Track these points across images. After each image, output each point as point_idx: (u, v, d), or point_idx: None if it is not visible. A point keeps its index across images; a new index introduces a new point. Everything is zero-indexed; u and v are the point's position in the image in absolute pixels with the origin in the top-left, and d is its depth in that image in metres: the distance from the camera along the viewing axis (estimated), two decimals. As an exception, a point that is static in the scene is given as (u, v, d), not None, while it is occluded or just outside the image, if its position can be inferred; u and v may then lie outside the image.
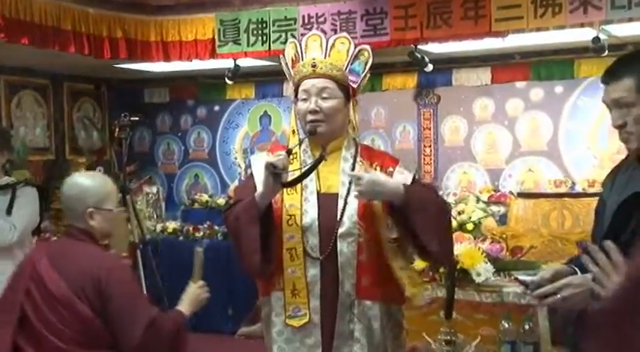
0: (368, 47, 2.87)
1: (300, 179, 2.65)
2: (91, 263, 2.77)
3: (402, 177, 2.77)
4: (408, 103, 8.41)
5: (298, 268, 2.69)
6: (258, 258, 2.64)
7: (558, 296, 2.22)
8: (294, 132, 2.84)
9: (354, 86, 2.81)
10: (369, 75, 2.87)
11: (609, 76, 2.27)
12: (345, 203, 2.72)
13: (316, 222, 2.70)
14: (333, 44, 2.82)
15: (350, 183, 2.74)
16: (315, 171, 2.74)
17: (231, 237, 2.83)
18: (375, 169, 2.79)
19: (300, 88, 2.80)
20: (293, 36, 6.32)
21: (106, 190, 2.92)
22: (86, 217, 2.87)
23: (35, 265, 2.82)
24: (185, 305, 2.95)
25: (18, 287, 2.82)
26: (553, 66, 7.50)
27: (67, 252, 2.86)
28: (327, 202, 2.73)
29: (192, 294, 2.96)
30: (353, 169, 2.77)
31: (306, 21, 6.34)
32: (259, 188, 2.70)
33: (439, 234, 2.69)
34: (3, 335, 2.74)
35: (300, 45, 2.86)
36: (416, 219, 2.62)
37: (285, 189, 2.71)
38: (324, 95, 2.75)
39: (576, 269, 2.35)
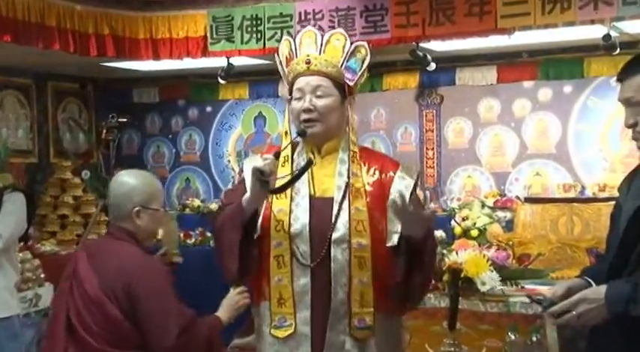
0: (365, 44, 2.86)
1: (287, 185, 2.64)
2: (125, 264, 2.90)
3: (403, 183, 2.76)
4: (410, 104, 8.41)
5: (285, 276, 2.68)
6: (235, 266, 2.64)
7: (573, 313, 2.22)
8: (286, 133, 2.83)
9: (351, 84, 2.81)
10: (366, 73, 2.87)
11: (624, 74, 2.31)
12: (340, 208, 2.71)
13: (307, 228, 2.68)
14: (328, 40, 2.82)
15: (346, 185, 2.73)
16: (309, 175, 2.73)
17: (214, 240, 2.84)
18: (374, 173, 2.78)
19: (294, 87, 2.79)
20: (289, 33, 6.31)
21: (153, 189, 3.05)
22: (133, 216, 2.99)
23: (77, 264, 2.98)
24: (223, 310, 3.06)
25: (64, 287, 2.98)
26: (562, 65, 7.51)
27: (105, 251, 3.00)
28: (321, 207, 2.71)
29: (231, 300, 3.06)
30: (349, 173, 2.75)
31: (303, 17, 6.34)
32: (247, 194, 2.70)
33: (426, 282, 2.78)
34: (57, 335, 2.91)
35: (295, 42, 2.85)
36: (417, 259, 2.64)
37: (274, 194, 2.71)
38: (319, 93, 2.74)
39: (591, 281, 2.35)
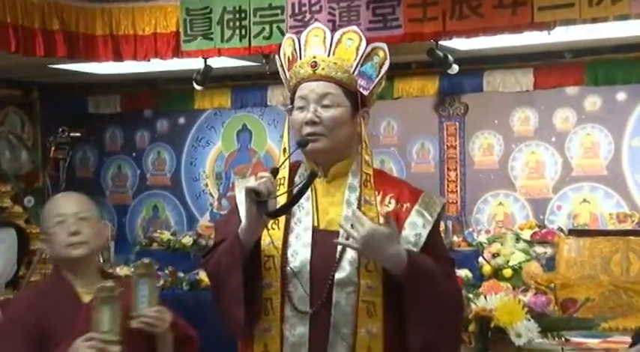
0: (384, 45, 2.86)
1: (289, 206, 2.63)
2: None
3: (420, 220, 2.76)
4: (428, 114, 8.43)
5: (274, 325, 2.67)
6: (241, 313, 2.63)
7: None
8: (285, 150, 2.83)
9: (365, 93, 2.82)
10: (384, 81, 2.88)
11: None
12: None
13: (308, 266, 2.69)
14: (339, 40, 2.82)
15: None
16: (312, 203, 2.74)
17: (211, 288, 2.82)
18: (389, 203, 2.78)
19: (297, 94, 2.79)
20: (279, 29, 6.34)
21: (45, 213, 3.26)
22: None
23: None
24: None
25: None
26: (613, 67, 7.53)
27: None
28: (325, 242, 2.70)
29: (74, 345, 2.96)
30: (361, 200, 2.76)
31: (297, 10, 6.36)
32: (244, 222, 2.70)
33: (437, 332, 2.68)
34: None
35: (299, 40, 2.86)
36: (413, 302, 2.63)
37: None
38: (326, 103, 2.74)
39: None
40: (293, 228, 2.73)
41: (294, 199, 2.63)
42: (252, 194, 2.57)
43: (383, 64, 2.83)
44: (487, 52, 7.44)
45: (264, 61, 6.87)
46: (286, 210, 2.65)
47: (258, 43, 6.49)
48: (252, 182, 2.63)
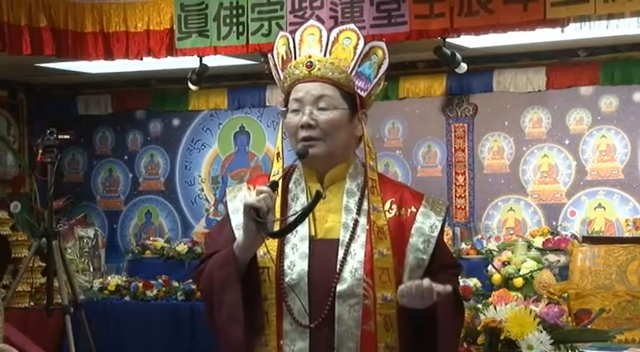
0: (383, 44, 2.87)
1: (292, 227, 2.63)
2: None
3: (427, 222, 2.77)
4: (434, 116, 8.43)
5: (270, 339, 2.68)
6: (240, 332, 2.63)
7: None
8: (278, 155, 2.83)
9: (363, 94, 2.82)
10: (383, 81, 2.88)
11: None
12: (347, 252, 2.71)
13: (306, 278, 2.68)
14: (335, 38, 2.83)
15: (355, 223, 2.73)
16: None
17: (205, 305, 2.82)
18: (391, 208, 2.79)
19: (292, 96, 2.80)
20: (279, 25, 6.34)
21: None
22: None
23: None
24: None
25: None
26: (630, 66, 7.52)
27: None
28: (324, 251, 2.71)
29: None
30: (360, 205, 2.76)
31: (297, 6, 6.36)
32: (238, 236, 2.69)
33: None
34: None
35: (294, 39, 2.87)
36: (430, 328, 2.71)
37: None
38: (322, 105, 2.75)
39: None
40: (289, 239, 2.73)
41: (296, 221, 2.62)
42: (252, 212, 2.57)
43: (382, 63, 2.84)
44: (497, 50, 7.44)
45: (262, 59, 6.86)
46: (288, 231, 2.65)
47: (256, 41, 6.49)
48: (250, 197, 2.62)
